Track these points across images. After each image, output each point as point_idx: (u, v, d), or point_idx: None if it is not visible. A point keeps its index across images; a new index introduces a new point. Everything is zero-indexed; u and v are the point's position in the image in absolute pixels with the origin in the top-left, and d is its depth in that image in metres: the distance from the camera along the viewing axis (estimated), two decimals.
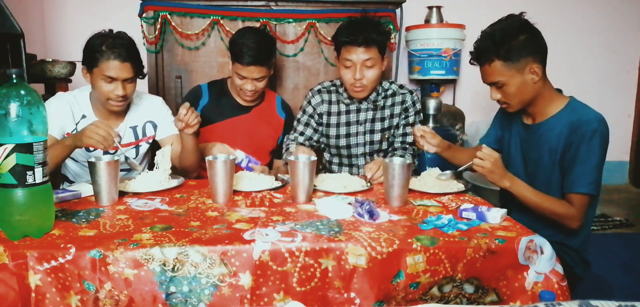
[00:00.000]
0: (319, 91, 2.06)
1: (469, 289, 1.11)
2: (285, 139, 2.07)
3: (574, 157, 1.44)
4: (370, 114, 2.00)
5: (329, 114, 2.04)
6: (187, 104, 1.69)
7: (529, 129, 1.59)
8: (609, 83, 4.04)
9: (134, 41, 1.76)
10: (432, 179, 1.60)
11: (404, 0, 2.81)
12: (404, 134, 2.00)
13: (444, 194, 1.52)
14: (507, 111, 1.59)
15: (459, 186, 1.59)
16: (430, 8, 3.44)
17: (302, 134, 2.03)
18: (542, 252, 1.11)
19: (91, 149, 1.72)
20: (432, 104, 3.19)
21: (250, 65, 1.94)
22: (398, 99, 2.01)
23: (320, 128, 2.05)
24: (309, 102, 2.05)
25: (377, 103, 2.00)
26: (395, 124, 2.01)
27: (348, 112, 2.02)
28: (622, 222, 3.24)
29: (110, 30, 1.74)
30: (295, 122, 2.08)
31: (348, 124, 2.02)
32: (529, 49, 1.44)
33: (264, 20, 2.64)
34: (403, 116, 2.00)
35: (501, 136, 1.75)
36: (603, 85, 4.02)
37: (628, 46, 4.04)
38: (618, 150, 4.15)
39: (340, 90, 2.03)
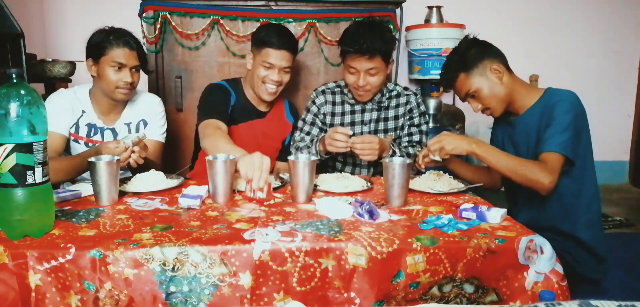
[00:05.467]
0: (323, 92, 2.07)
1: (469, 289, 1.11)
2: (291, 142, 2.06)
3: (547, 124, 1.50)
4: (374, 115, 2.02)
5: (333, 114, 2.04)
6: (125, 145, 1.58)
7: (512, 123, 1.66)
8: (609, 83, 4.04)
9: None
10: (432, 180, 1.60)
11: (404, 0, 2.81)
12: (410, 134, 2.02)
13: (444, 194, 1.52)
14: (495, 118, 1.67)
15: (459, 186, 1.59)
16: (430, 8, 3.44)
17: (308, 133, 2.02)
18: (542, 252, 1.11)
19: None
20: (432, 104, 3.20)
21: (281, 49, 1.92)
22: (402, 100, 2.02)
23: (325, 127, 2.05)
24: (314, 102, 2.07)
25: (382, 104, 2.01)
26: (400, 125, 2.02)
27: (353, 112, 2.03)
28: (622, 222, 3.24)
29: (112, 27, 1.80)
30: (300, 122, 2.07)
31: (353, 124, 2.03)
32: (483, 54, 1.60)
33: (264, 20, 2.63)
34: (407, 117, 2.01)
35: (496, 137, 1.81)
36: (603, 85, 4.02)
37: (628, 46, 4.04)
38: (618, 150, 4.15)
39: (345, 91, 2.03)
